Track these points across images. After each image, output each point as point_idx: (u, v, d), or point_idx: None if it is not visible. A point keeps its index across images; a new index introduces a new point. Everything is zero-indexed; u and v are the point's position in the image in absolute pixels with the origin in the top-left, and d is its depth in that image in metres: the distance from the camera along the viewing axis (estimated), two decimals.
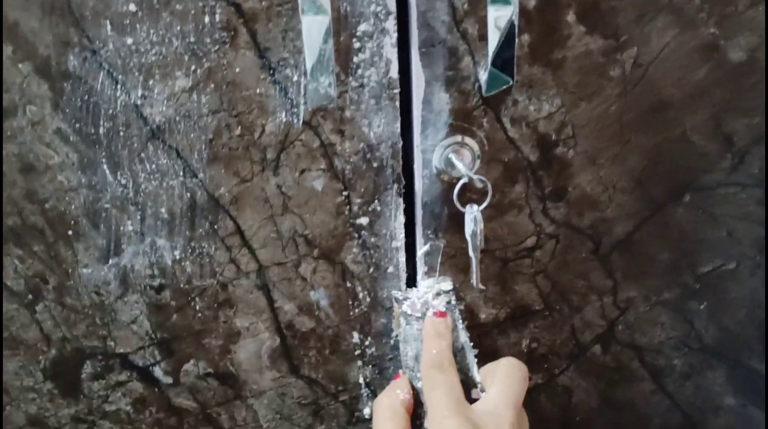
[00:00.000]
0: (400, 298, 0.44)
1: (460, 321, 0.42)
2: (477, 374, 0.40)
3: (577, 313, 0.49)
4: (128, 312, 0.45)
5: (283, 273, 0.45)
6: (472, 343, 0.42)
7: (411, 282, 0.47)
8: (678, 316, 0.51)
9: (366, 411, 0.50)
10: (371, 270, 0.46)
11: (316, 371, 0.48)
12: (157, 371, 0.47)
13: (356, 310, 0.47)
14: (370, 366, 0.49)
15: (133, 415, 0.47)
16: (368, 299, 0.47)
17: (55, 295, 0.44)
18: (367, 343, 0.48)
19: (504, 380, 0.37)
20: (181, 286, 0.45)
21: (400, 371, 0.42)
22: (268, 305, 0.46)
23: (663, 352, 0.52)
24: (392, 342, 0.48)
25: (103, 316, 0.45)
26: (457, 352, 0.41)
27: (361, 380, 0.49)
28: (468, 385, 0.39)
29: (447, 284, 0.45)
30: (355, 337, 0.48)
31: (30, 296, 0.44)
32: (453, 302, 0.43)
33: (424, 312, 0.42)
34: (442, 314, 0.42)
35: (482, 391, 0.38)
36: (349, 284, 0.46)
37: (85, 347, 0.45)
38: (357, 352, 0.48)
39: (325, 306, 0.46)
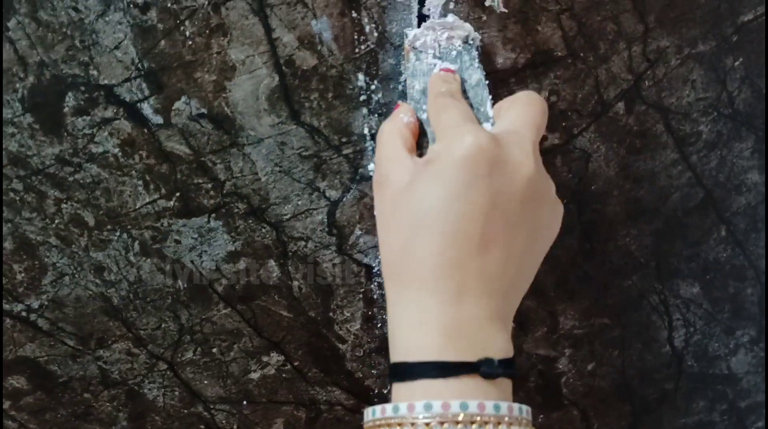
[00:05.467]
0: (411, 34, 0.40)
1: (477, 60, 0.39)
2: (491, 110, 0.37)
3: (602, 64, 0.45)
4: (111, 34, 0.41)
5: None
6: (487, 82, 0.38)
7: (421, 15, 0.42)
8: (710, 73, 0.47)
9: (371, 167, 0.47)
10: None
11: (319, 118, 0.45)
12: (146, 108, 0.43)
13: (362, 47, 0.43)
14: (376, 115, 0.45)
15: (122, 159, 0.44)
16: (375, 34, 0.42)
17: (29, 9, 0.39)
18: (373, 87, 0.44)
19: (524, 106, 0.34)
20: (169, 5, 0.40)
21: (400, 101, 0.38)
22: (265, 35, 0.42)
23: (690, 116, 0.48)
24: (400, 86, 0.44)
25: (83, 38, 0.40)
26: (470, 89, 0.38)
27: (366, 131, 0.45)
28: (480, 119, 0.36)
29: (463, 29, 0.40)
30: (361, 79, 0.44)
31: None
32: (470, 41, 0.40)
33: (436, 48, 0.39)
34: (449, 70, 0.38)
35: (493, 125, 0.36)
36: (355, 14, 0.42)
37: (65, 75, 0.41)
38: (362, 98, 0.44)
39: (328, 39, 0.42)
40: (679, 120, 0.48)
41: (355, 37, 0.42)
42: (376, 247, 0.50)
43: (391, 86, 0.44)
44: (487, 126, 0.35)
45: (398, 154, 0.33)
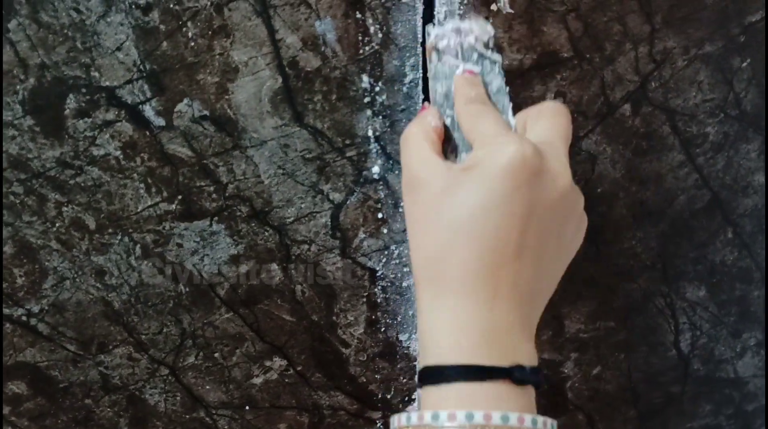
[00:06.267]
0: (434, 33, 0.39)
1: (498, 65, 0.38)
2: (512, 118, 0.36)
3: (608, 65, 0.45)
4: (112, 36, 0.40)
5: None
6: (508, 88, 0.38)
7: (427, 14, 0.42)
8: (717, 74, 0.46)
9: (374, 169, 0.46)
10: None
11: (322, 120, 0.44)
12: (148, 110, 0.42)
13: (366, 48, 0.42)
14: (380, 117, 0.45)
15: (123, 161, 0.44)
16: (380, 35, 0.42)
17: (29, 10, 0.39)
18: (377, 89, 0.44)
19: (552, 118, 0.34)
20: (171, 6, 0.40)
21: (427, 104, 0.38)
22: (268, 36, 0.41)
23: (697, 117, 0.48)
24: (405, 88, 0.44)
25: (84, 40, 0.40)
26: (492, 95, 0.37)
27: (370, 133, 0.45)
28: None
29: (486, 32, 0.39)
30: (365, 81, 0.43)
31: (1, 11, 0.39)
32: (492, 46, 0.39)
33: (458, 50, 0.38)
34: (472, 73, 0.37)
35: None
36: (359, 15, 0.41)
37: (66, 77, 0.41)
38: (366, 100, 0.44)
39: (331, 40, 0.42)
40: (686, 121, 0.48)
41: (360, 38, 0.42)
42: (379, 250, 0.50)
43: (396, 88, 0.44)
44: None
45: (430, 158, 0.33)
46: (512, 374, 0.30)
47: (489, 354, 0.30)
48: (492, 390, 0.30)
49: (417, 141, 0.34)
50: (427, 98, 0.43)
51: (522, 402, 0.30)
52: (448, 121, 0.36)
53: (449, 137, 0.36)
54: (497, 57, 0.39)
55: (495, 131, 0.31)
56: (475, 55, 0.38)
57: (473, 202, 0.30)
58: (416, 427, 0.30)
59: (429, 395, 0.31)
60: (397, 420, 0.32)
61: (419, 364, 0.33)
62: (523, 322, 0.31)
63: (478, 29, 0.39)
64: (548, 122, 0.33)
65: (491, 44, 0.39)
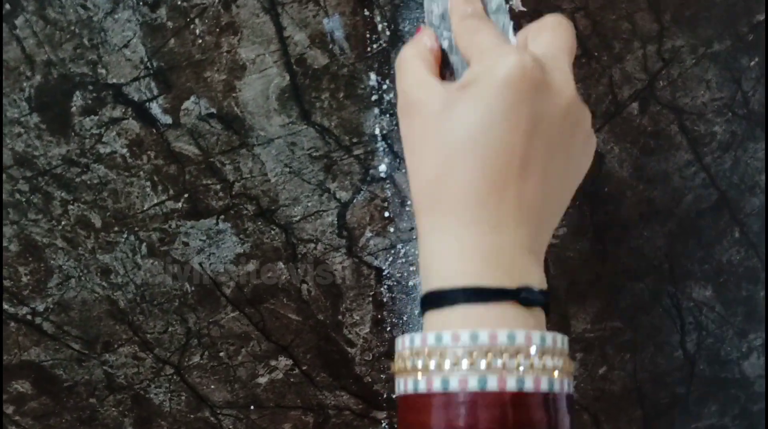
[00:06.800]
0: None
1: None
2: (513, 37, 0.34)
3: (616, 63, 0.45)
4: (120, 33, 0.40)
5: None
6: (508, 6, 0.36)
7: None
8: (725, 73, 0.46)
9: (381, 168, 0.46)
10: None
11: (329, 118, 0.44)
12: (155, 108, 0.42)
13: (374, 46, 0.42)
14: (388, 115, 0.44)
15: (129, 159, 0.44)
16: (388, 32, 0.42)
17: (36, 6, 0.39)
18: (385, 86, 0.43)
19: (554, 31, 0.32)
20: (179, 2, 0.40)
21: (422, 25, 0.36)
22: (276, 33, 0.41)
23: (705, 116, 0.48)
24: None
25: (91, 37, 0.40)
26: (491, 14, 0.35)
27: (377, 131, 0.45)
28: None
29: None
30: (372, 79, 0.43)
31: (8, 6, 0.38)
32: None
33: None
34: None
35: None
36: (367, 12, 0.41)
37: (73, 74, 0.41)
38: (374, 98, 0.44)
39: (339, 38, 0.42)
40: (694, 120, 0.48)
41: (367, 35, 0.42)
42: (386, 249, 0.49)
43: None
44: None
45: (425, 79, 0.31)
46: (519, 295, 0.28)
47: (494, 276, 0.28)
48: (498, 311, 0.28)
49: (412, 63, 0.32)
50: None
51: (530, 323, 0.28)
52: (445, 44, 0.34)
53: (447, 61, 0.34)
54: None
55: (492, 43, 0.29)
56: None
57: (472, 119, 0.28)
58: (419, 350, 0.28)
59: (432, 319, 0.29)
60: (400, 342, 0.30)
61: (421, 291, 0.31)
62: (530, 243, 0.29)
63: None
64: (549, 35, 0.31)
65: None
